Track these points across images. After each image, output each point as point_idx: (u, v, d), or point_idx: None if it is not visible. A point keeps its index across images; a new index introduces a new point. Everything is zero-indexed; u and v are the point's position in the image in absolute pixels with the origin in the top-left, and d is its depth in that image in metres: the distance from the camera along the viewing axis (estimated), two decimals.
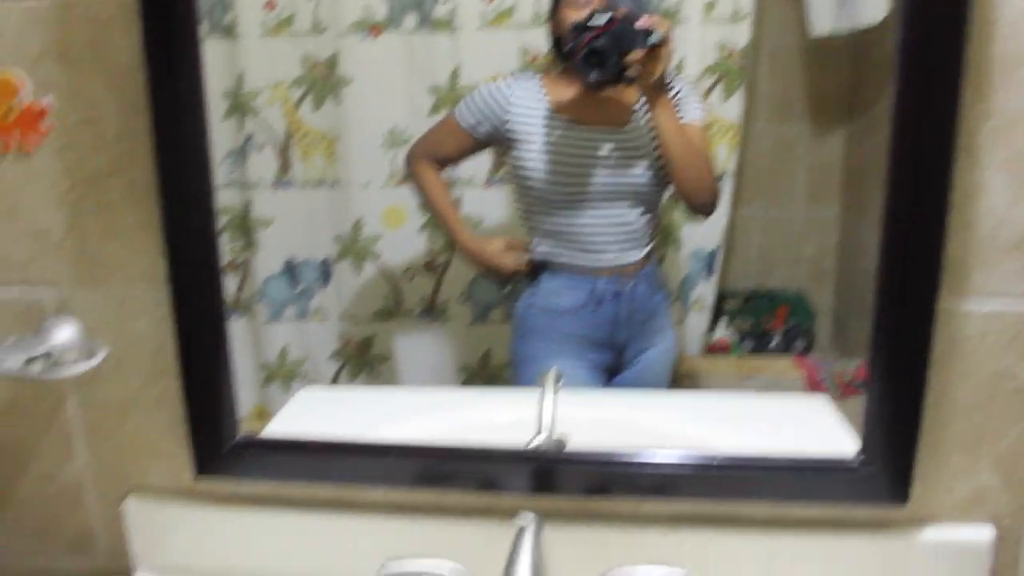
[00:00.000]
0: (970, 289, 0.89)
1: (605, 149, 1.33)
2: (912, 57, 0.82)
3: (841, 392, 1.50)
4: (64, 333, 0.98)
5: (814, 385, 1.54)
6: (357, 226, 1.53)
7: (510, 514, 0.94)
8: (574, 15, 1.26)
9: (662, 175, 1.35)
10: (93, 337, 0.99)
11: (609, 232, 1.39)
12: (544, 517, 0.92)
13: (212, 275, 0.94)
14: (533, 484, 0.97)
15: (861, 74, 1.73)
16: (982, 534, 0.93)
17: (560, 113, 1.33)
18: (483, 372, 1.53)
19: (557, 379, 1.05)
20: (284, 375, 1.56)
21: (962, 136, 0.85)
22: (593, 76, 1.23)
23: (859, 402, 1.37)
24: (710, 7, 1.54)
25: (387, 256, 1.54)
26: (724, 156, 1.61)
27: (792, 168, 1.78)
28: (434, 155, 1.39)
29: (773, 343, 1.71)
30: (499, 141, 1.36)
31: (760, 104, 1.68)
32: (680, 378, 1.57)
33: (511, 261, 1.41)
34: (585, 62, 1.23)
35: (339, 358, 1.56)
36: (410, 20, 1.46)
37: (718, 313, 1.68)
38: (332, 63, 1.45)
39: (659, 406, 1.19)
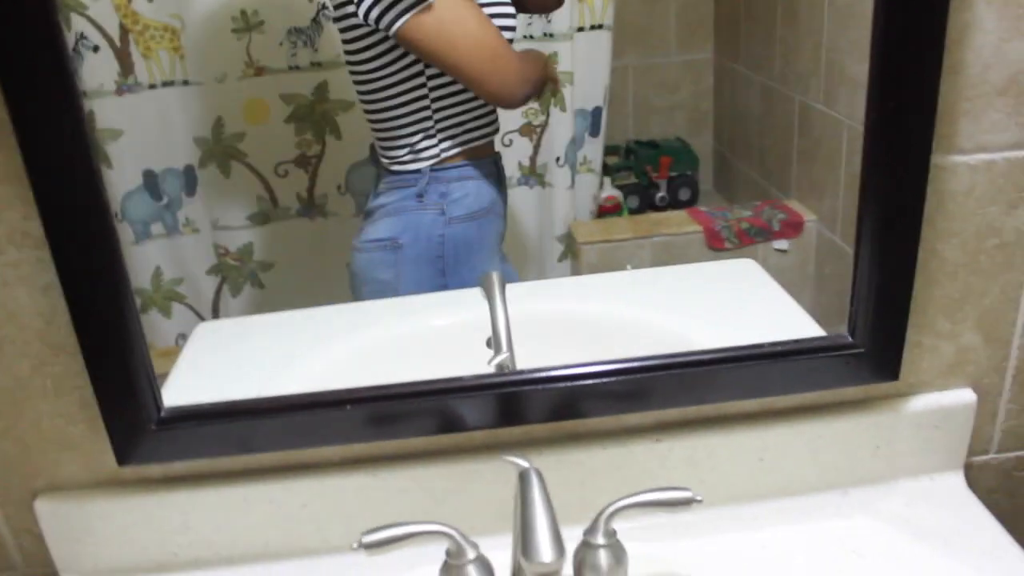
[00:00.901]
0: (957, 140, 0.78)
1: None
2: None
3: (739, 241, 1.48)
4: None
5: (712, 237, 1.45)
6: (218, 125, 1.36)
7: (484, 449, 0.87)
8: None
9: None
10: None
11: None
12: (522, 447, 0.83)
13: (102, 221, 0.72)
14: (503, 414, 0.82)
15: None
16: (965, 396, 0.87)
17: None
18: None
19: (501, 285, 0.87)
20: (162, 299, 1.40)
21: None
22: None
23: (757, 250, 1.33)
24: None
25: (255, 154, 1.37)
26: (601, 6, 1.48)
27: (662, 12, 1.67)
28: (503, 40, 1.14)
29: (659, 195, 1.64)
30: None
31: None
32: (579, 245, 1.47)
33: None
34: None
35: (218, 272, 1.41)
36: None
37: (602, 170, 1.58)
38: None
39: (594, 292, 1.04)
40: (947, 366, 0.91)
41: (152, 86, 1.31)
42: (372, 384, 0.82)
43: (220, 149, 1.35)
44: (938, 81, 0.75)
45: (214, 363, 0.98)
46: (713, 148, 1.78)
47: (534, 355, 0.88)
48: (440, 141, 1.16)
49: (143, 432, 0.81)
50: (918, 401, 0.90)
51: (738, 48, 1.67)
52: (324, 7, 1.29)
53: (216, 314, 1.41)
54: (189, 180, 1.36)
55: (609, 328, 1.00)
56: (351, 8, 1.08)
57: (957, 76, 0.78)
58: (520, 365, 0.89)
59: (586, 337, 0.97)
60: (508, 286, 0.98)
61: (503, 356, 0.87)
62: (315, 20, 1.31)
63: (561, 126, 1.47)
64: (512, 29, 1.16)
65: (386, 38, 1.08)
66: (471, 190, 1.19)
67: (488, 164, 1.22)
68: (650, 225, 1.52)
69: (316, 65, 1.33)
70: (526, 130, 1.43)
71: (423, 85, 1.13)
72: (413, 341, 1.03)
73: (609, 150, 1.60)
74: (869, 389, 0.89)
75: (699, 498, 0.78)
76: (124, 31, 1.27)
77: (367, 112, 1.19)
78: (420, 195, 1.17)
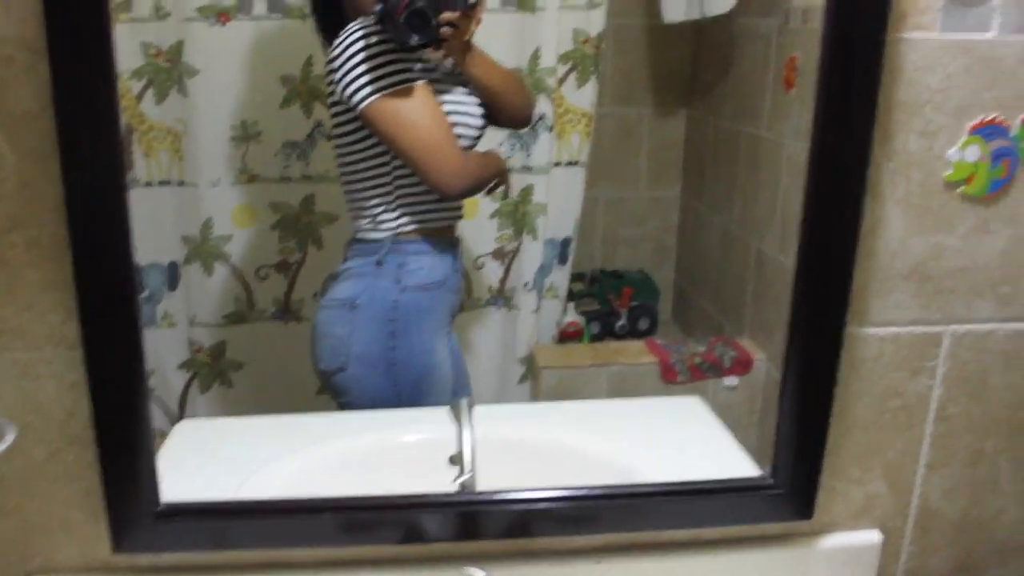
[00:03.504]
0: (869, 315, 0.98)
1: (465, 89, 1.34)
2: (831, 111, 0.88)
3: (691, 375, 1.64)
4: None
5: (667, 370, 1.62)
6: (206, 226, 1.49)
7: (443, 559, 1.00)
8: None
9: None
10: None
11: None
12: (480, 559, 0.97)
13: (131, 333, 0.89)
14: (463, 530, 0.99)
15: (702, 58, 1.86)
16: (872, 537, 1.07)
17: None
18: None
19: (469, 406, 1.06)
20: None
21: (869, 175, 0.93)
22: (415, 39, 1.22)
23: (707, 386, 1.48)
24: None
25: (238, 256, 1.51)
26: (577, 144, 1.68)
27: (635, 150, 1.90)
28: (451, 136, 1.32)
29: (619, 324, 1.81)
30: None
31: (606, 87, 1.75)
32: (539, 368, 1.63)
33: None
34: (407, 24, 1.20)
35: (189, 367, 1.52)
36: (260, 5, 1.44)
37: (567, 296, 1.75)
38: (177, 52, 1.41)
39: (551, 421, 1.22)
40: (857, 509, 1.10)
41: (148, 184, 1.45)
42: (348, 495, 0.99)
43: (206, 249, 1.49)
44: (852, 265, 0.96)
45: (194, 461, 1.13)
46: (674, 281, 1.98)
47: (492, 475, 1.06)
48: (399, 216, 1.33)
49: (140, 523, 0.95)
50: (830, 540, 1.09)
51: (703, 189, 1.88)
52: (319, 125, 1.47)
53: (183, 409, 1.52)
54: (172, 276, 1.48)
55: (562, 455, 1.17)
56: (334, 87, 1.28)
57: (869, 262, 1.00)
58: (480, 486, 1.04)
59: (541, 462, 1.14)
60: (476, 410, 1.16)
61: (467, 477, 1.04)
62: (310, 136, 1.49)
63: (532, 253, 1.65)
64: (474, 131, 1.34)
65: (356, 117, 1.28)
66: (426, 264, 1.36)
67: (445, 243, 1.38)
68: (608, 354, 1.69)
69: (307, 178, 1.50)
70: (498, 255, 1.62)
71: (386, 164, 1.31)
72: (383, 453, 1.19)
73: (575, 277, 1.78)
74: (787, 526, 1.08)
75: None
76: (129, 130, 1.41)
77: (342, 182, 1.36)
78: (379, 263, 1.34)
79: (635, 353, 1.69)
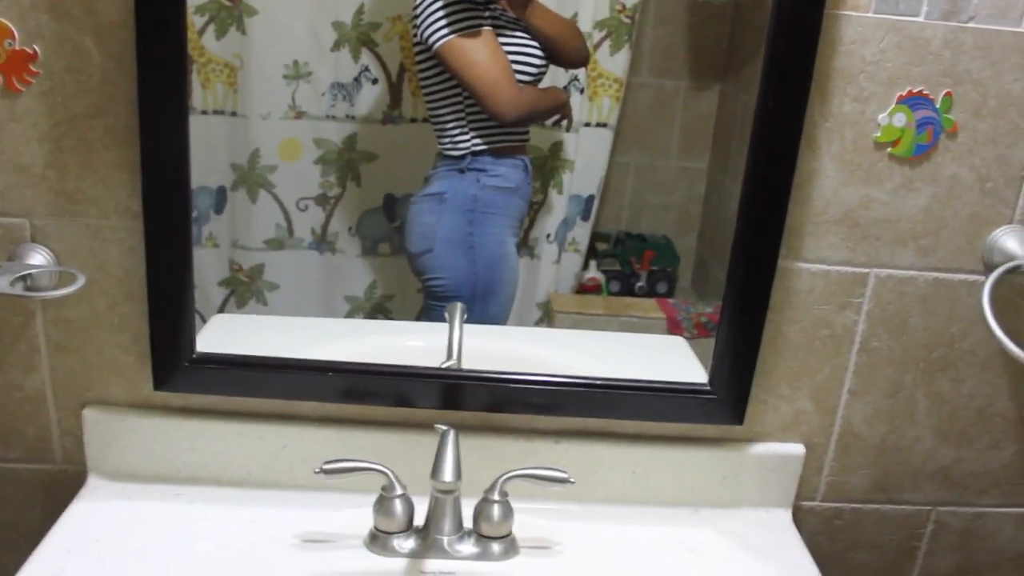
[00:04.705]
0: (803, 252, 1.29)
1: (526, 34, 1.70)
2: (774, 71, 1.18)
3: (696, 332, 1.90)
4: (40, 259, 1.26)
5: (673, 325, 1.87)
6: (254, 156, 1.73)
7: (426, 426, 1.29)
8: None
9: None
10: (66, 264, 1.27)
11: None
12: (457, 429, 1.24)
13: (183, 211, 1.24)
14: (444, 400, 1.32)
15: (738, 36, 2.08)
16: (797, 450, 1.42)
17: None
18: (368, 303, 1.80)
19: (463, 313, 1.39)
20: None
21: (806, 132, 1.23)
22: None
23: (711, 343, 1.77)
24: None
25: (281, 187, 1.75)
26: (608, 108, 1.92)
27: (669, 120, 2.09)
28: (508, 73, 1.70)
29: (639, 285, 2.04)
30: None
31: (643, 58, 1.98)
32: (554, 314, 1.89)
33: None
34: None
35: (228, 284, 1.76)
36: None
37: (591, 254, 2.00)
38: None
39: (543, 341, 1.54)
40: (784, 423, 1.41)
41: (204, 112, 1.67)
42: (350, 361, 1.35)
43: (252, 177, 1.74)
44: (786, 207, 1.27)
45: (224, 338, 1.48)
46: (695, 250, 2.19)
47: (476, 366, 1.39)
48: (473, 137, 1.71)
49: (178, 367, 1.32)
50: (759, 447, 1.41)
51: (729, 163, 2.12)
52: (366, 69, 1.75)
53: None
54: (219, 199, 1.73)
55: (541, 364, 1.50)
56: (416, 29, 1.64)
57: (804, 206, 1.30)
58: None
59: (512, 361, 1.47)
60: (480, 326, 1.49)
61: (451, 362, 1.39)
62: (356, 80, 1.75)
63: (557, 207, 1.92)
64: (533, 70, 1.72)
65: (433, 55, 1.65)
66: (502, 172, 1.75)
67: (516, 160, 1.75)
68: (620, 307, 1.96)
69: (350, 118, 1.75)
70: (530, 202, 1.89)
71: (459, 95, 1.68)
72: (390, 353, 1.52)
73: (600, 237, 2.02)
74: (723, 430, 1.40)
75: (572, 480, 1.28)
76: (190, 61, 1.55)
77: (427, 111, 1.72)
78: (462, 170, 1.72)
79: (646, 308, 1.95)
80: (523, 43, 1.71)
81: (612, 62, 1.90)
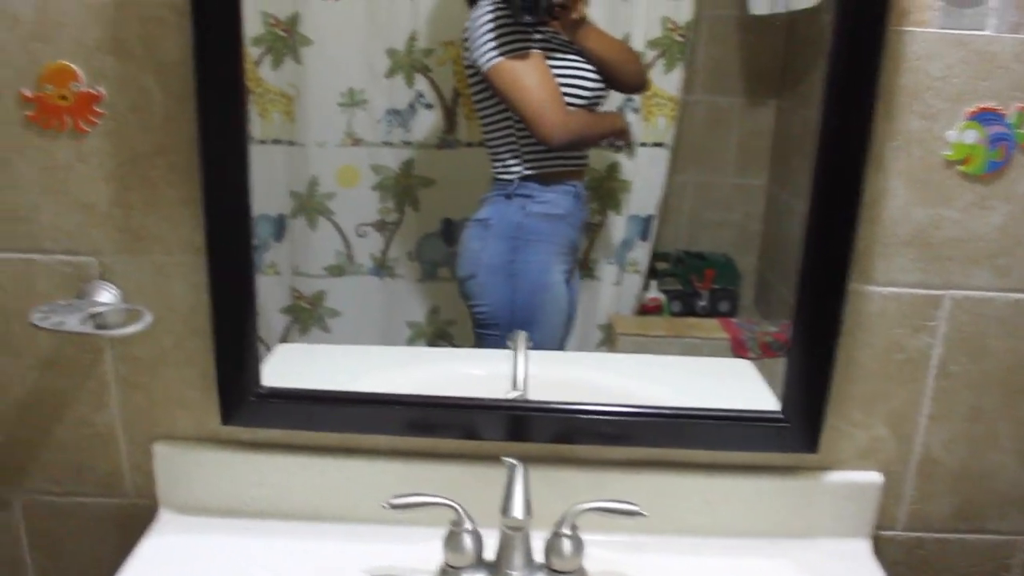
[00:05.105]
0: (873, 274, 1.25)
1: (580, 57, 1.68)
2: (837, 90, 1.15)
3: (761, 352, 1.88)
4: (108, 296, 1.27)
5: (738, 346, 1.85)
6: (313, 183, 1.74)
7: (494, 458, 1.26)
8: None
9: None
10: (133, 301, 1.27)
11: None
12: (525, 461, 1.22)
13: (245, 246, 1.23)
14: (512, 432, 1.31)
15: (793, 51, 2.07)
16: (874, 478, 1.36)
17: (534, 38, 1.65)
18: (430, 328, 1.78)
19: (527, 341, 1.37)
20: None
21: (872, 150, 1.20)
22: (527, 18, 1.58)
23: (778, 363, 1.74)
24: None
25: (340, 213, 1.76)
26: (663, 127, 1.91)
27: (725, 138, 2.07)
28: (556, 96, 1.68)
29: (700, 304, 2.02)
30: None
31: (697, 76, 1.96)
32: (616, 336, 1.87)
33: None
34: (522, 6, 1.56)
35: (291, 312, 1.78)
36: None
37: (651, 274, 1.98)
38: (293, 23, 1.66)
39: (607, 367, 1.52)
40: (860, 450, 1.38)
41: (262, 142, 1.69)
42: (417, 394, 1.34)
43: (311, 204, 1.76)
44: (855, 228, 1.24)
45: (289, 372, 1.48)
46: (756, 268, 2.17)
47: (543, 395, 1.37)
48: (523, 162, 1.69)
49: (245, 402, 1.32)
50: (835, 476, 1.37)
51: (788, 179, 2.10)
52: (420, 96, 1.75)
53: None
54: (279, 227, 1.75)
55: (609, 393, 1.47)
56: (468, 52, 1.63)
57: (873, 227, 1.27)
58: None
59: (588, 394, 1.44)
60: (543, 352, 1.46)
61: (517, 392, 1.37)
62: (411, 106, 1.75)
63: (615, 228, 1.91)
64: (587, 93, 1.69)
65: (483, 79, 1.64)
66: (550, 199, 1.72)
67: (567, 187, 1.75)
68: (683, 327, 1.94)
69: (406, 144, 1.76)
70: (584, 227, 1.87)
71: (510, 119, 1.67)
72: (453, 382, 1.52)
73: (660, 256, 2.01)
74: (797, 459, 1.36)
75: (645, 513, 1.25)
76: (247, 92, 1.58)
77: (482, 134, 1.72)
78: (509, 196, 1.70)
79: (709, 328, 1.93)
80: (576, 66, 1.69)
81: (666, 81, 1.88)
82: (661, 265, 2.02)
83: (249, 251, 1.23)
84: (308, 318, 1.79)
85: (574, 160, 1.74)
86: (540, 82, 1.65)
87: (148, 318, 1.26)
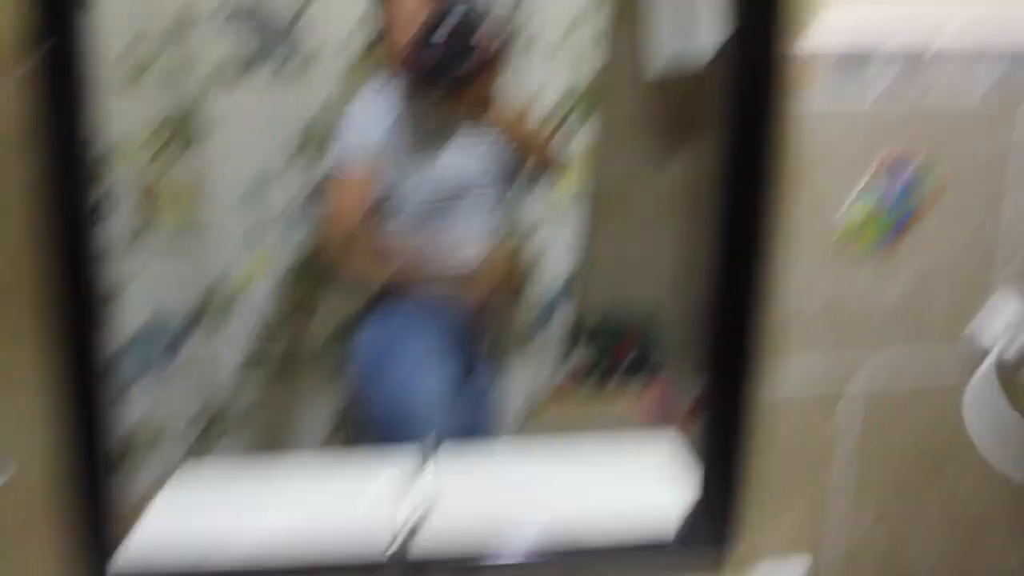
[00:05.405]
0: (779, 362, 1.15)
1: (465, 148, 1.57)
2: (728, 171, 1.10)
3: (684, 419, 1.75)
4: None
5: (662, 411, 1.80)
6: (225, 275, 1.67)
7: None
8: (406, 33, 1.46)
9: (502, 170, 1.60)
10: None
11: (471, 231, 1.62)
12: None
13: (98, 392, 1.05)
14: None
15: (700, 104, 1.96)
16: (798, 566, 1.27)
17: (419, 123, 1.55)
18: (339, 430, 1.72)
19: (433, 445, 1.21)
20: (148, 439, 1.64)
21: (769, 229, 1.11)
22: (440, 88, 1.43)
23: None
24: (558, 45, 1.77)
25: (254, 306, 1.70)
26: (572, 195, 1.88)
27: (636, 196, 2.03)
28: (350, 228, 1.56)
29: (621, 371, 1.97)
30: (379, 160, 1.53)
31: (608, 133, 1.93)
32: (535, 419, 1.82)
33: None
34: (433, 73, 1.42)
35: (208, 413, 1.69)
36: (271, 67, 1.61)
37: (571, 342, 1.93)
38: (190, 115, 1.59)
39: (517, 467, 1.35)
40: (783, 538, 1.23)
41: (168, 235, 1.62)
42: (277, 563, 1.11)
43: (224, 297, 1.68)
44: (758, 312, 1.14)
45: (170, 519, 1.19)
46: (675, 328, 2.11)
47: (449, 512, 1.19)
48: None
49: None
50: (760, 567, 1.25)
51: (700, 235, 2.01)
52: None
53: (202, 453, 1.68)
54: (193, 324, 1.67)
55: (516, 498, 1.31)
56: None
57: (777, 308, 1.17)
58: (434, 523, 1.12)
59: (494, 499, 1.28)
60: (444, 459, 1.27)
61: (395, 548, 1.17)
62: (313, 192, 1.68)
63: (528, 306, 1.86)
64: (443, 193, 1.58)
65: None
66: (411, 307, 1.59)
67: (435, 287, 1.61)
68: (606, 398, 1.89)
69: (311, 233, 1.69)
70: (492, 306, 1.79)
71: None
72: (352, 502, 1.30)
73: (582, 315, 1.95)
74: (720, 554, 1.24)
75: None
76: (148, 188, 1.60)
77: None
78: (379, 300, 1.59)
79: (630, 399, 1.88)
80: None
81: (572, 146, 1.84)
82: (584, 324, 1.97)
83: (104, 405, 1.06)
84: (223, 422, 1.70)
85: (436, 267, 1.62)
86: (348, 206, 1.56)
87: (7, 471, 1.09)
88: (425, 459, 1.19)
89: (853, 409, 1.23)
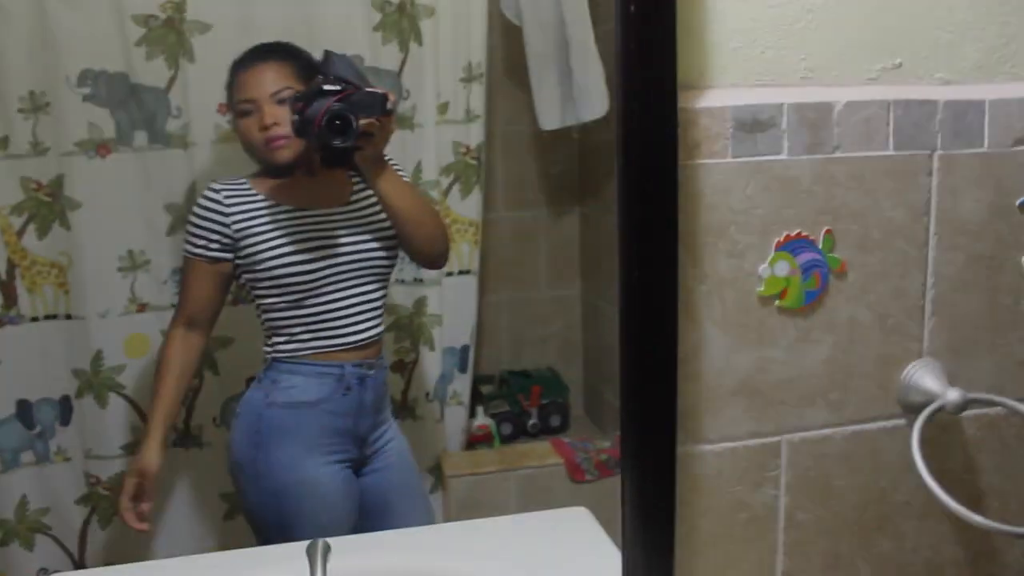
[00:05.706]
0: (703, 432, 1.03)
1: (334, 228, 1.41)
2: (634, 238, 0.94)
3: (599, 473, 1.68)
4: None
5: (573, 469, 1.70)
6: (97, 358, 1.54)
7: None
8: (255, 123, 1.35)
9: (392, 245, 1.43)
10: None
11: (352, 311, 1.42)
12: None
13: None
14: None
15: (589, 159, 1.92)
16: None
17: (281, 203, 1.40)
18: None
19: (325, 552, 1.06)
20: (26, 531, 1.54)
21: (681, 299, 1.02)
22: (337, 143, 1.28)
23: (616, 483, 1.53)
24: (443, 109, 1.67)
25: (133, 386, 1.55)
26: (467, 252, 1.76)
27: (532, 252, 2.00)
28: (189, 314, 1.42)
29: (531, 423, 1.88)
30: (233, 249, 1.38)
31: (497, 194, 1.89)
32: (447, 478, 1.69)
33: (129, 518, 1.41)
34: (328, 128, 1.27)
35: (88, 501, 1.57)
36: (140, 137, 1.50)
37: (476, 400, 1.83)
38: (57, 185, 1.47)
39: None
40: None
41: (34, 319, 1.50)
42: None
43: (98, 381, 1.54)
44: (675, 389, 1.01)
45: None
46: (583, 377, 2.05)
47: None
48: (274, 340, 1.39)
49: None
50: None
51: (602, 286, 1.94)
52: None
53: (83, 545, 1.56)
54: (64, 410, 1.53)
55: None
56: None
57: (695, 382, 1.06)
58: None
59: None
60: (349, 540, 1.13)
61: None
62: None
63: (430, 363, 1.73)
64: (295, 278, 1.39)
65: None
66: (298, 383, 1.41)
67: (327, 369, 1.41)
68: (515, 457, 1.78)
69: None
70: (397, 367, 1.70)
71: (256, 297, 1.39)
72: None
73: (483, 380, 1.90)
74: None
75: None
76: (11, 266, 1.47)
77: None
78: (259, 379, 1.42)
79: (542, 454, 1.77)
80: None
81: (465, 205, 1.74)
82: (486, 388, 1.88)
83: None
84: (108, 506, 1.55)
85: (338, 337, 1.42)
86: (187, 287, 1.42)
87: None
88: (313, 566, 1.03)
89: (783, 478, 1.11)
